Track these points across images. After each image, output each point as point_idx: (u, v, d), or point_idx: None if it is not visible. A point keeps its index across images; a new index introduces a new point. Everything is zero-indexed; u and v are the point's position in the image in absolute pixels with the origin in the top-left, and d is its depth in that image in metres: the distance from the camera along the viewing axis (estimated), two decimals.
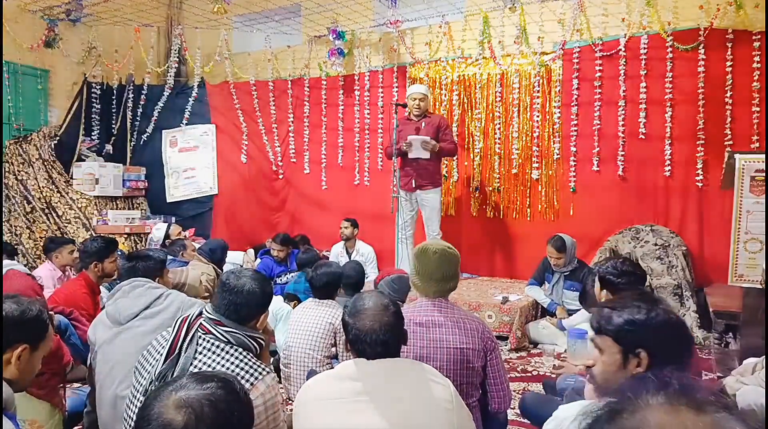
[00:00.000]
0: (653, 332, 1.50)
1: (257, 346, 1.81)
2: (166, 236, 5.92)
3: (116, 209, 6.79)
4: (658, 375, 0.81)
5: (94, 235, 6.03)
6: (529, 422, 2.69)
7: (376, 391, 1.59)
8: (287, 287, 5.19)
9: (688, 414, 0.73)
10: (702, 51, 4.97)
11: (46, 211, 6.56)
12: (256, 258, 6.30)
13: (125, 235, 6.52)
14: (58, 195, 6.61)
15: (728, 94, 4.90)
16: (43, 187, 6.59)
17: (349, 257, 5.94)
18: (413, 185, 5.36)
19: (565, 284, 4.63)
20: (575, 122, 5.55)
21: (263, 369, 1.73)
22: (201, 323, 1.79)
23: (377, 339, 1.66)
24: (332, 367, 3.09)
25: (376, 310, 1.71)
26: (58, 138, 6.84)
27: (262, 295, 1.86)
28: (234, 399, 1.10)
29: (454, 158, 5.94)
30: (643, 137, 5.23)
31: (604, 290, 2.54)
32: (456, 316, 2.20)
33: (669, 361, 1.44)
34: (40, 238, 6.35)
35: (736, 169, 3.46)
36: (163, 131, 7.46)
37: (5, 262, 4.05)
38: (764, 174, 3.44)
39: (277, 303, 4.06)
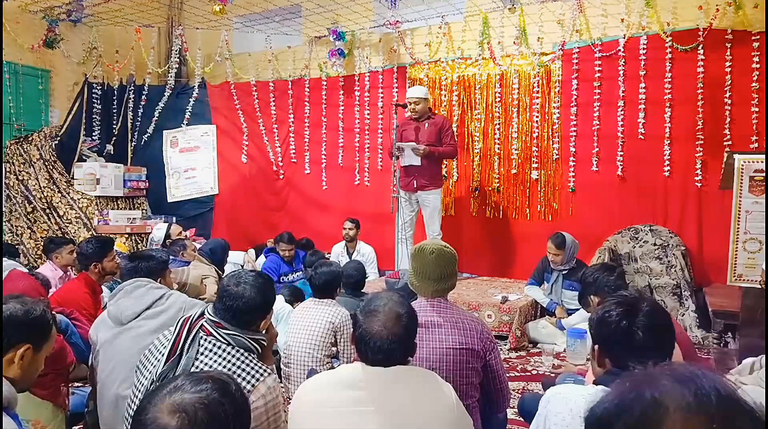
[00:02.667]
0: (601, 328, 1.57)
1: (259, 348, 1.81)
2: (167, 236, 5.92)
3: (117, 209, 6.80)
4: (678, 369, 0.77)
5: (94, 235, 6.04)
6: (527, 422, 2.70)
7: (376, 401, 1.55)
8: (299, 285, 5.21)
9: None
10: (701, 51, 4.98)
11: (47, 211, 6.57)
12: (257, 258, 6.32)
13: (126, 235, 6.54)
14: (59, 195, 6.63)
15: (727, 95, 4.91)
16: (44, 187, 6.61)
17: (350, 257, 5.95)
18: (414, 186, 5.38)
19: (564, 284, 4.64)
20: (574, 122, 5.56)
21: (264, 370, 1.73)
22: (202, 325, 1.80)
23: (381, 346, 1.61)
24: (332, 366, 3.11)
25: (389, 317, 1.65)
26: (59, 138, 6.85)
27: (263, 301, 1.84)
28: (229, 402, 1.09)
29: (455, 158, 5.96)
30: (642, 137, 5.24)
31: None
32: (455, 317, 2.21)
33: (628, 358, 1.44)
34: (41, 238, 6.37)
35: (735, 170, 3.48)
36: (164, 131, 7.48)
37: (7, 262, 4.07)
38: (763, 174, 3.45)
39: (278, 303, 4.07)
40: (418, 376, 1.67)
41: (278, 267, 5.59)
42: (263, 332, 1.89)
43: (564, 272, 4.65)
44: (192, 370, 1.68)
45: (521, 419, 2.79)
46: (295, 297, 4.30)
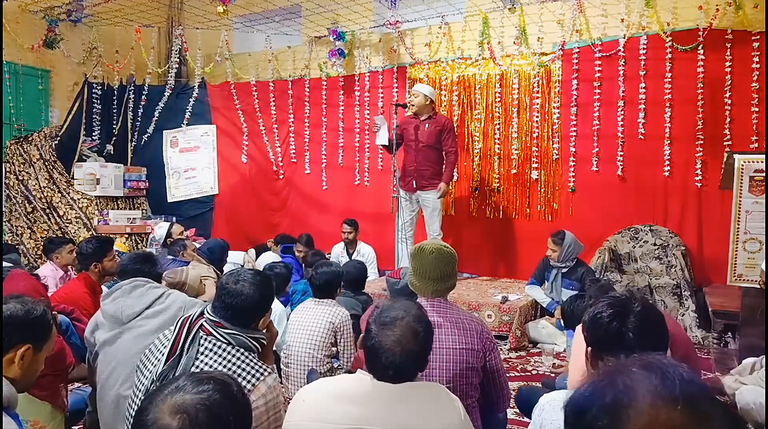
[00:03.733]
0: (593, 330, 1.54)
1: (259, 347, 1.81)
2: (168, 235, 5.93)
3: (117, 209, 6.81)
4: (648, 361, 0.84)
5: (94, 235, 6.05)
6: (528, 418, 2.70)
7: (379, 420, 1.48)
8: (298, 285, 5.21)
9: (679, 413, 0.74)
10: (701, 51, 4.98)
11: (47, 211, 6.57)
12: (257, 257, 6.31)
13: (126, 235, 6.54)
14: (59, 195, 6.63)
15: (727, 95, 4.91)
16: (44, 187, 6.61)
17: (350, 258, 5.95)
18: (414, 186, 5.38)
19: (563, 282, 4.66)
20: (574, 122, 5.56)
21: (265, 369, 1.73)
22: (202, 324, 1.80)
23: (393, 362, 1.51)
24: (332, 367, 3.11)
25: (405, 332, 1.55)
26: (59, 138, 6.85)
27: (261, 299, 1.84)
28: (230, 402, 1.09)
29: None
30: (642, 137, 5.24)
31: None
32: (455, 317, 2.20)
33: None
34: (41, 238, 6.37)
35: (735, 170, 3.49)
36: (164, 131, 7.48)
37: (7, 264, 4.07)
38: (763, 174, 3.46)
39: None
40: (425, 392, 1.58)
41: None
42: (263, 330, 1.89)
43: (563, 270, 4.67)
44: (192, 370, 1.68)
45: (521, 419, 2.80)
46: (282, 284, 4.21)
